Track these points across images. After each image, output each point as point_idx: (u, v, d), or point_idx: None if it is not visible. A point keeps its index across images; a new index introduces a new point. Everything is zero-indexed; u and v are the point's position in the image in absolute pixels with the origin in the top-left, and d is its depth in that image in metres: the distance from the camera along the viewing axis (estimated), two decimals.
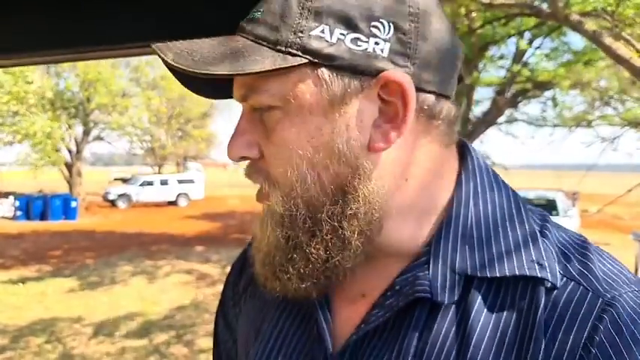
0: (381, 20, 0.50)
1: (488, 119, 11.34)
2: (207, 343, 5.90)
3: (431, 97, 0.54)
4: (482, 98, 12.66)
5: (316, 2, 0.50)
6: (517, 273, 0.52)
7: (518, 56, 10.57)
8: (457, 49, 0.56)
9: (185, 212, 21.10)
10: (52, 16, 1.05)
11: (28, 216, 18.51)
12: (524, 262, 0.52)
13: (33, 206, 18.61)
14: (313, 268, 0.53)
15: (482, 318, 0.51)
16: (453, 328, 0.52)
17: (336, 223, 0.52)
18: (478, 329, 0.51)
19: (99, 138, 22.90)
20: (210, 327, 6.39)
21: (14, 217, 18.62)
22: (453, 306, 0.53)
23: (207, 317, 6.86)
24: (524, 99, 11.88)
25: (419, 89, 0.52)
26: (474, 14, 7.62)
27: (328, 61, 0.50)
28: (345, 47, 0.50)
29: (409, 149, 0.55)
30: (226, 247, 12.07)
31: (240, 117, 0.56)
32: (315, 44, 0.50)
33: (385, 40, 0.51)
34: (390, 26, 0.51)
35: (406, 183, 0.55)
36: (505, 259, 0.53)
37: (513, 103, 11.74)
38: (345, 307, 0.59)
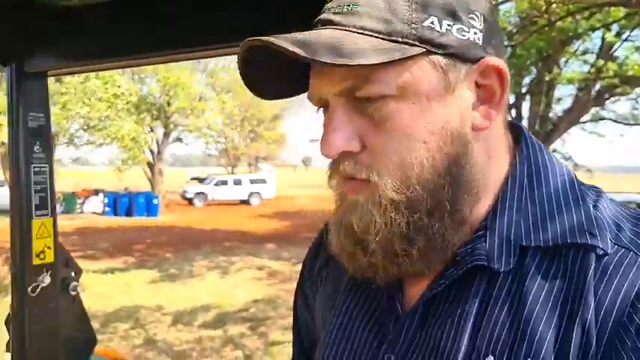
0: (475, 12, 0.56)
1: (571, 118, 10.74)
2: (280, 336, 6.09)
3: None
4: (564, 95, 12.00)
5: None
6: (569, 241, 0.55)
7: (605, 50, 9.92)
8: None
9: (257, 211, 21.75)
10: (143, 21, 1.18)
11: (115, 212, 19.97)
12: (577, 231, 0.55)
13: (120, 203, 20.06)
14: (434, 247, 0.57)
15: (536, 284, 0.55)
16: (510, 294, 0.55)
17: (450, 202, 0.56)
18: (532, 294, 0.54)
19: (178, 140, 24.20)
20: (283, 322, 6.61)
21: (103, 213, 20.15)
22: (510, 274, 0.56)
23: (280, 312, 7.06)
24: (611, 96, 11.12)
25: None
26: (554, 6, 7.27)
27: (442, 50, 0.55)
28: (454, 37, 0.55)
29: (494, 127, 0.60)
30: (297, 246, 12.31)
31: (333, 112, 0.57)
32: (428, 34, 0.54)
33: (480, 30, 0.57)
34: (481, 17, 0.57)
35: (490, 160, 0.60)
36: (558, 229, 0.56)
37: (599, 101, 11.03)
38: (411, 281, 0.63)
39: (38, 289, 1.37)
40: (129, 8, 1.15)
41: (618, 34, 9.18)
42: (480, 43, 0.57)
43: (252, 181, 25.85)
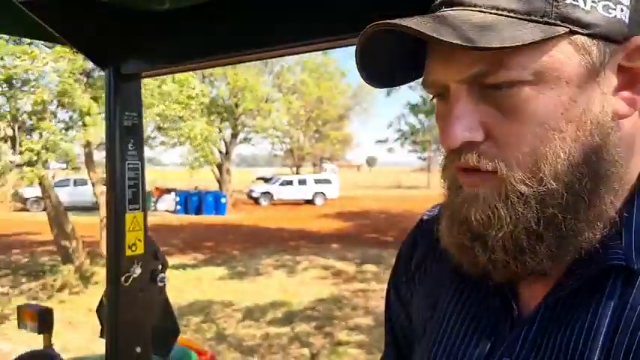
0: None
1: None
2: (346, 336, 6.09)
3: None
4: None
5: None
6: None
7: None
8: None
9: (321, 211, 21.94)
10: (234, 20, 1.21)
11: (186, 210, 20.88)
12: None
13: (190, 201, 20.97)
14: (565, 245, 0.52)
15: None
16: None
17: (589, 197, 0.51)
18: None
19: (245, 140, 24.89)
20: (348, 323, 6.62)
21: (175, 211, 21.12)
22: None
23: (345, 313, 7.07)
24: None
25: None
26: None
27: (586, 30, 0.49)
28: (599, 14, 0.49)
29: (635, 116, 0.54)
30: (361, 246, 12.29)
31: (456, 100, 0.53)
32: (571, 12, 0.49)
33: (627, 7, 0.51)
34: None
35: (630, 151, 0.55)
36: None
37: None
38: (528, 282, 0.58)
39: (130, 280, 1.45)
40: (219, 9, 1.19)
41: None
42: (627, 21, 0.51)
43: (317, 181, 26.11)
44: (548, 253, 0.52)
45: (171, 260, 10.63)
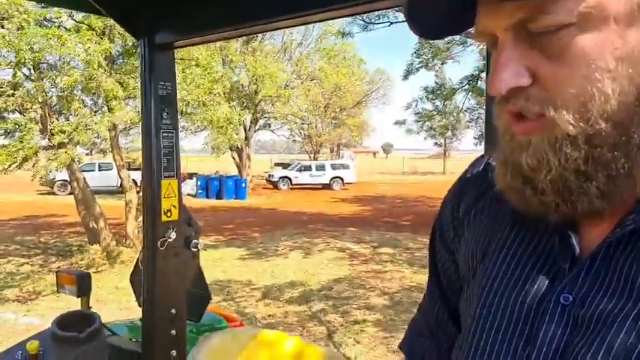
0: None
1: None
2: (361, 315, 6.16)
3: None
4: None
5: None
6: None
7: None
8: None
9: (338, 195, 22.02)
10: None
11: (207, 194, 21.14)
12: None
13: (211, 186, 21.23)
14: (617, 185, 0.52)
15: None
16: None
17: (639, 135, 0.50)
18: None
19: (264, 127, 24.99)
20: (363, 302, 6.69)
21: (196, 195, 21.40)
22: None
23: (360, 293, 7.13)
24: None
25: None
26: None
27: None
28: None
29: None
30: (377, 230, 12.33)
31: (501, 48, 0.53)
32: None
33: None
34: None
35: None
36: None
37: None
38: (589, 222, 0.57)
39: (166, 244, 1.50)
40: None
41: None
42: None
43: (334, 167, 26.13)
44: (599, 192, 0.52)
45: None
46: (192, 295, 1.67)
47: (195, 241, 1.60)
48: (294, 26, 1.28)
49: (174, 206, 1.53)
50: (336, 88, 26.76)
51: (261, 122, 24.39)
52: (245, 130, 22.95)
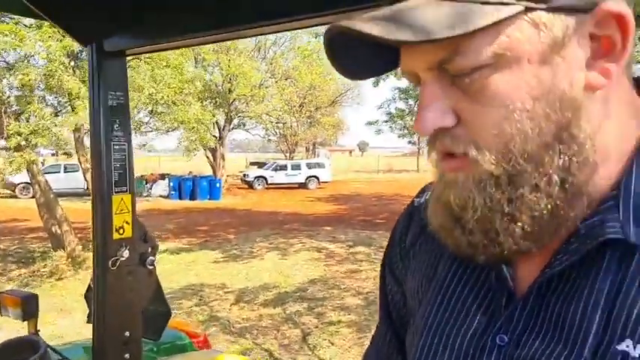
0: None
1: None
2: (336, 316, 6.14)
3: None
4: None
5: None
6: None
7: None
8: None
9: (314, 194, 21.98)
10: None
11: (180, 195, 20.81)
12: None
13: (184, 187, 20.91)
14: (542, 224, 0.51)
15: None
16: None
17: (561, 174, 0.50)
18: None
19: (239, 126, 24.77)
20: (338, 302, 6.66)
21: (168, 196, 21.06)
22: None
23: (336, 293, 7.12)
24: None
25: None
26: None
27: (544, 4, 0.47)
28: None
29: (615, 84, 0.52)
30: (353, 229, 12.35)
31: (425, 87, 0.53)
32: None
33: None
34: None
35: (609, 122, 0.52)
36: None
37: None
38: (522, 258, 0.57)
39: (118, 263, 1.42)
40: None
41: None
42: None
43: (310, 166, 26.09)
44: (524, 233, 0.51)
45: (166, 245, 10.62)
46: (150, 313, 1.59)
47: (151, 258, 1.53)
48: (244, 37, 1.23)
49: (127, 222, 1.45)
50: (311, 87, 26.72)
51: (235, 121, 24.16)
52: (219, 129, 22.71)
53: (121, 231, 1.44)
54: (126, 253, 1.44)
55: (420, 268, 0.69)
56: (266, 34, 1.24)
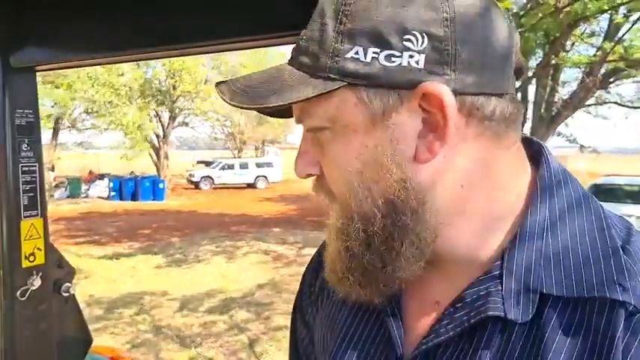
0: (413, 32, 0.50)
1: (576, 101, 10.58)
2: (284, 321, 6.10)
3: (480, 99, 0.52)
4: (570, 79, 11.86)
5: (349, 24, 0.51)
6: (596, 295, 0.49)
7: (612, 33, 9.73)
8: (511, 43, 0.54)
9: (263, 194, 21.80)
10: (138, 13, 1.12)
11: (120, 196, 20.02)
12: (605, 282, 0.49)
13: (125, 187, 20.11)
14: (370, 277, 0.56)
15: (557, 338, 0.50)
16: (527, 348, 0.51)
17: (387, 235, 0.54)
18: (552, 350, 0.49)
19: (184, 123, 24.17)
20: (286, 307, 6.63)
21: (108, 197, 20.23)
22: (527, 324, 0.51)
23: (285, 296, 7.08)
24: (616, 79, 10.95)
25: (464, 93, 0.51)
26: None
27: (365, 81, 0.51)
28: (380, 65, 0.50)
29: (462, 155, 0.54)
30: (303, 229, 12.34)
31: (302, 138, 0.61)
32: (351, 66, 0.51)
33: (420, 52, 0.50)
34: (423, 37, 0.50)
35: (462, 189, 0.54)
36: (584, 279, 0.50)
37: (604, 84, 10.87)
38: (419, 312, 0.59)
39: (28, 293, 1.33)
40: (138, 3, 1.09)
41: (626, 16, 8.99)
42: (420, 65, 0.50)
43: (259, 165, 25.85)
44: (358, 284, 0.57)
45: (105, 250, 10.22)
46: (67, 342, 1.50)
47: (67, 284, 1.43)
48: (163, 57, 1.18)
49: (38, 249, 1.36)
50: None
51: (180, 119, 23.58)
52: (163, 127, 22.08)
53: (32, 258, 1.35)
54: (37, 282, 1.34)
55: (328, 316, 0.70)
56: (185, 55, 1.20)
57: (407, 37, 0.50)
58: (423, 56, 0.50)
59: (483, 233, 0.55)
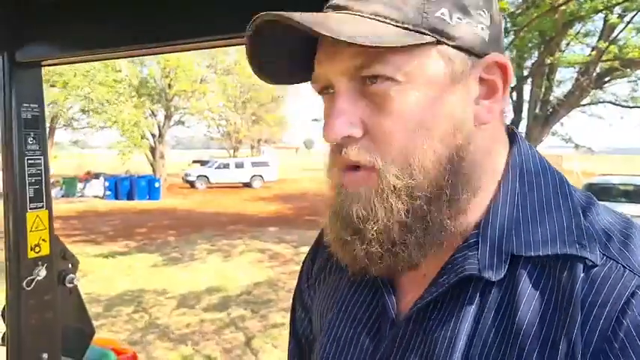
0: (483, 9, 0.58)
1: (571, 101, 10.66)
2: (280, 318, 6.13)
3: None
4: (565, 79, 11.93)
5: None
6: (559, 252, 0.54)
7: (607, 32, 9.80)
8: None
9: (259, 193, 21.80)
10: (142, 8, 1.14)
11: (116, 195, 19.99)
12: (566, 241, 0.55)
13: (121, 186, 20.07)
14: (431, 236, 0.57)
15: (527, 294, 0.54)
16: (502, 304, 0.55)
17: (451, 192, 0.56)
18: (523, 305, 0.54)
19: (179, 122, 24.11)
20: (283, 305, 6.65)
21: (104, 197, 20.17)
22: (503, 283, 0.56)
23: (281, 295, 7.10)
24: (611, 79, 11.02)
25: None
26: None
27: (451, 41, 0.56)
28: (464, 29, 0.56)
29: (493, 125, 0.60)
30: (298, 228, 12.36)
31: (337, 95, 0.57)
32: (439, 24, 0.55)
33: (487, 27, 0.58)
34: (489, 15, 0.58)
35: (488, 157, 0.60)
36: (549, 239, 0.55)
37: (599, 84, 10.95)
38: (409, 286, 0.64)
39: (33, 283, 1.36)
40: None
41: (620, 17, 9.07)
42: (487, 39, 0.58)
43: (255, 164, 25.82)
44: (417, 244, 0.56)
45: (101, 249, 10.20)
46: (71, 332, 1.53)
47: (71, 275, 1.46)
48: (162, 53, 1.20)
49: (43, 240, 1.39)
50: (253, 83, 26.44)
51: (175, 118, 23.51)
52: (158, 126, 22.02)
53: (37, 249, 1.38)
54: (43, 272, 1.37)
55: (325, 296, 0.74)
56: (178, 51, 1.23)
57: (479, 12, 0.57)
58: (487, 32, 0.58)
59: (479, 198, 0.59)
